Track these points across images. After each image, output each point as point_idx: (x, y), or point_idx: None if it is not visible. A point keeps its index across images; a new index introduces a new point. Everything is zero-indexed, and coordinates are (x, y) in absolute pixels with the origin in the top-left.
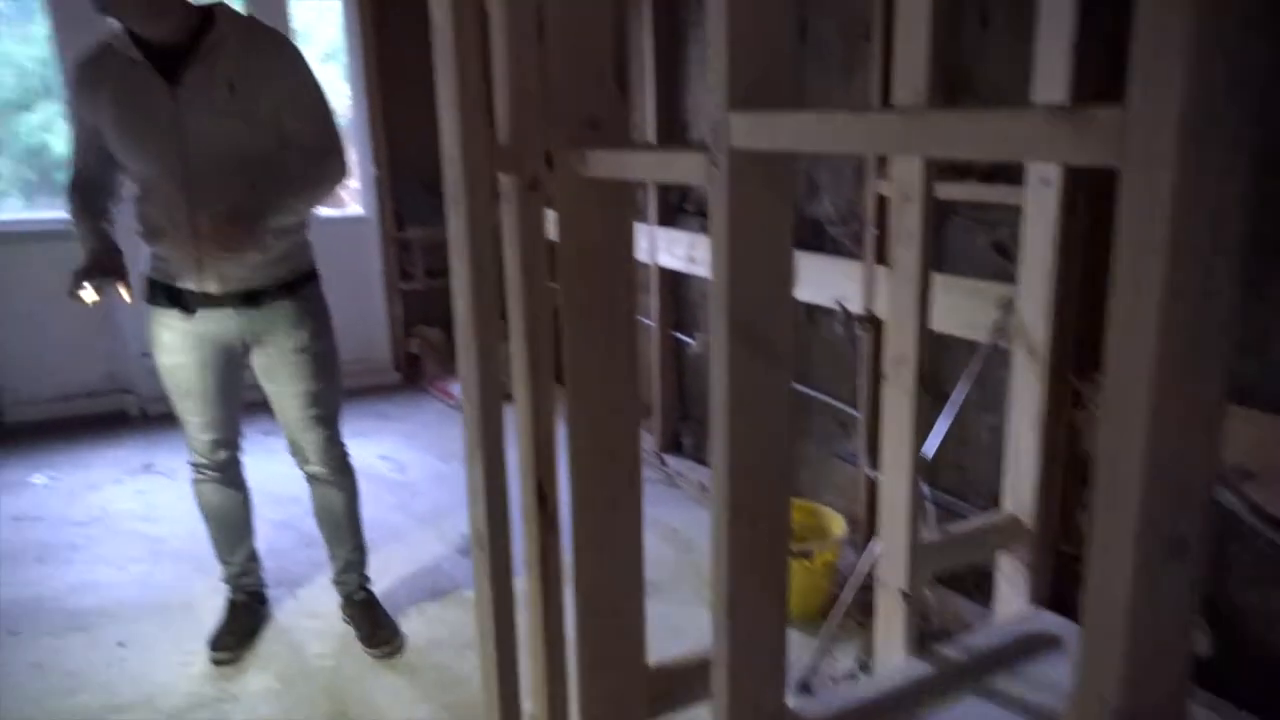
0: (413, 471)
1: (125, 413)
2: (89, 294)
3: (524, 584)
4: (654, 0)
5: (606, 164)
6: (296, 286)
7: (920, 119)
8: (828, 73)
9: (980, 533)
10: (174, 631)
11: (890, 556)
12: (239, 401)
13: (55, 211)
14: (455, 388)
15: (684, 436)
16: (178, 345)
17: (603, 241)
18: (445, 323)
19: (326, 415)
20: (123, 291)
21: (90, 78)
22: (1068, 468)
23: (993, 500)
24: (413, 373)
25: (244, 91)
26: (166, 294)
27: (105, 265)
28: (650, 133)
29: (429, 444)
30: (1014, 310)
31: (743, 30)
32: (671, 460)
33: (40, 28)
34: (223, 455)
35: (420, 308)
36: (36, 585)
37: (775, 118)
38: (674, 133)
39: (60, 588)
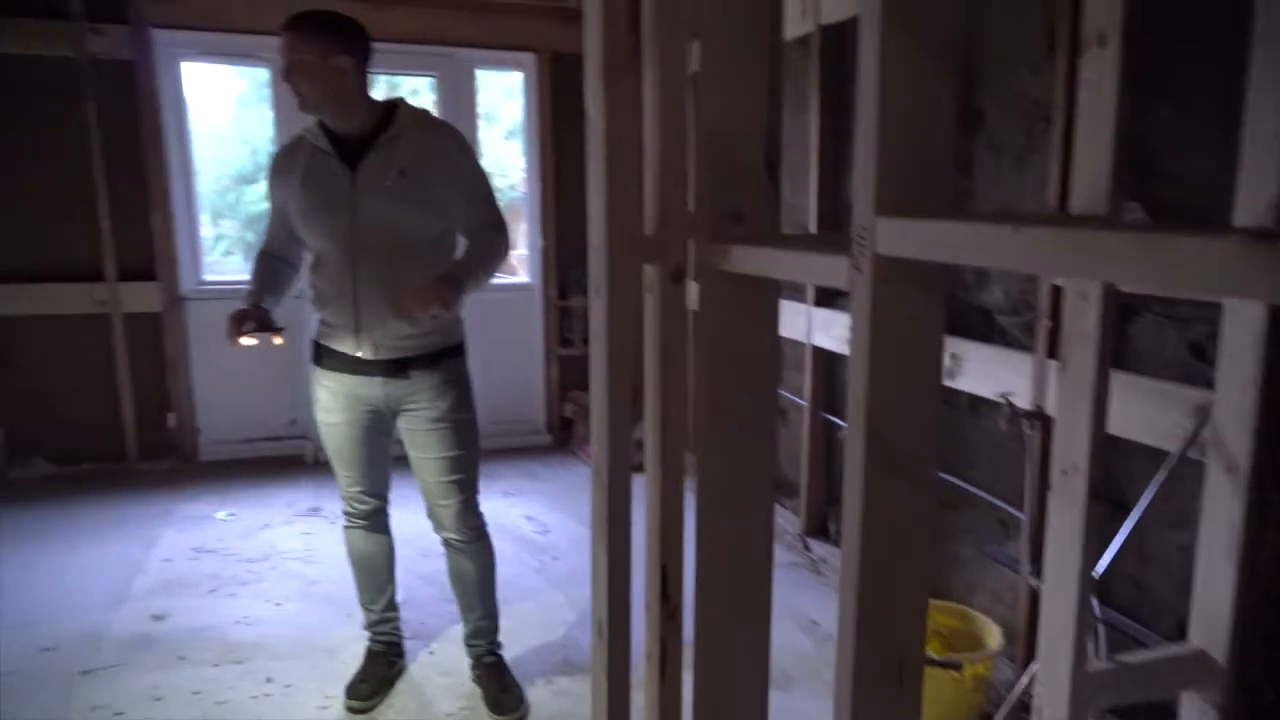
0: (555, 534)
1: (302, 457)
2: (246, 340)
3: (643, 674)
4: (822, 83)
5: (746, 260)
6: (442, 359)
7: (1089, 240)
8: (1001, 160)
9: (1161, 666)
10: (318, 673)
11: (1050, 683)
12: (387, 459)
13: None
14: None
15: (831, 521)
16: (333, 404)
17: (743, 335)
18: None
19: (463, 483)
20: (273, 338)
21: (284, 163)
22: (1271, 600)
23: (1178, 628)
24: (565, 435)
25: (414, 177)
26: (327, 356)
27: (252, 315)
28: (812, 220)
29: (573, 507)
30: (1210, 419)
31: (895, 126)
32: (816, 545)
33: (268, 112)
34: (369, 505)
35: (576, 373)
36: (205, 614)
37: (925, 226)
38: (838, 221)
39: (225, 619)
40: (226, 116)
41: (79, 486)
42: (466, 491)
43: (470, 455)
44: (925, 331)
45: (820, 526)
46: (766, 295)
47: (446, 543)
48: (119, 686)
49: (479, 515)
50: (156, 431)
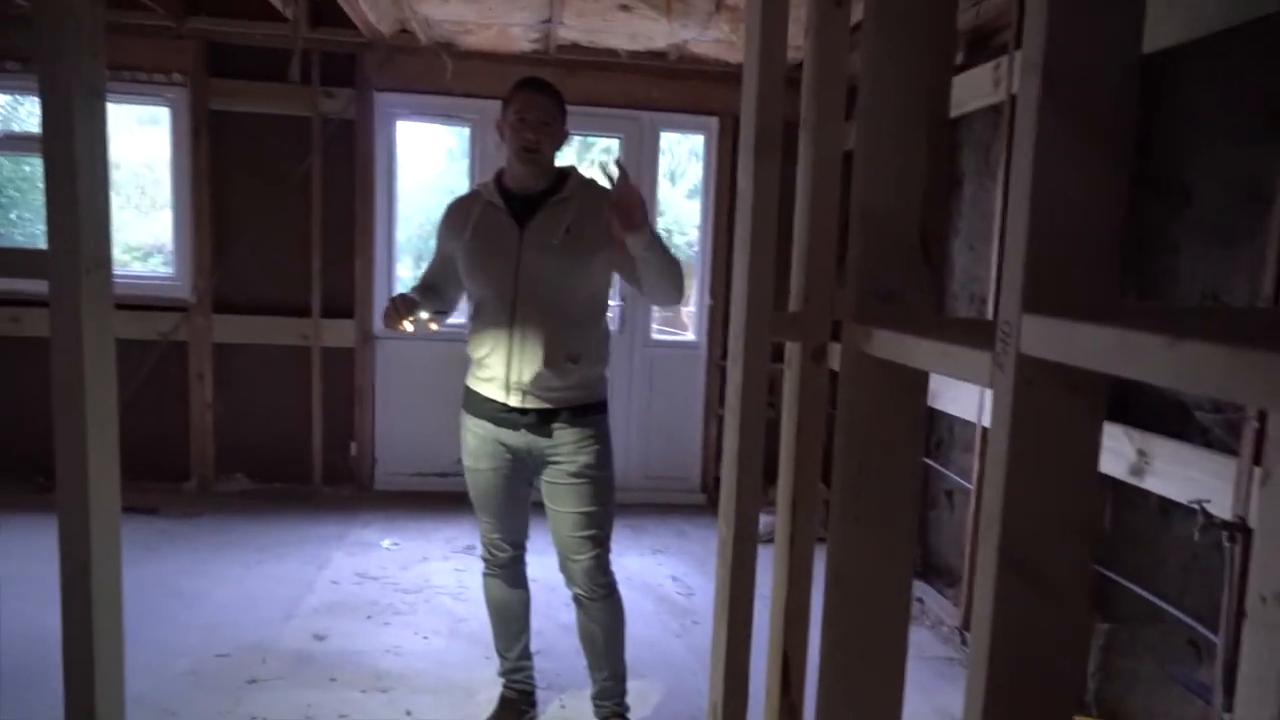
0: (700, 598)
1: (466, 495)
2: (407, 324)
3: None
4: (1010, 151)
5: (887, 345)
6: (587, 414)
7: (1258, 362)
8: (1210, 242)
9: None
10: (454, 712)
11: None
12: (527, 509)
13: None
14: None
15: None
16: (480, 450)
17: (886, 419)
18: None
19: (596, 538)
20: (429, 324)
21: (459, 214)
22: None
23: None
24: (718, 496)
25: (578, 236)
26: (477, 402)
27: (410, 301)
28: (992, 296)
29: None
30: None
31: (1048, 215)
32: None
33: (468, 165)
34: (507, 554)
35: None
36: (360, 639)
37: (1074, 328)
38: None
39: (377, 646)
40: (434, 169)
41: (270, 503)
42: (599, 548)
43: (605, 512)
44: (1077, 439)
45: None
46: (913, 378)
47: (576, 599)
48: (277, 700)
49: (609, 573)
50: (340, 458)
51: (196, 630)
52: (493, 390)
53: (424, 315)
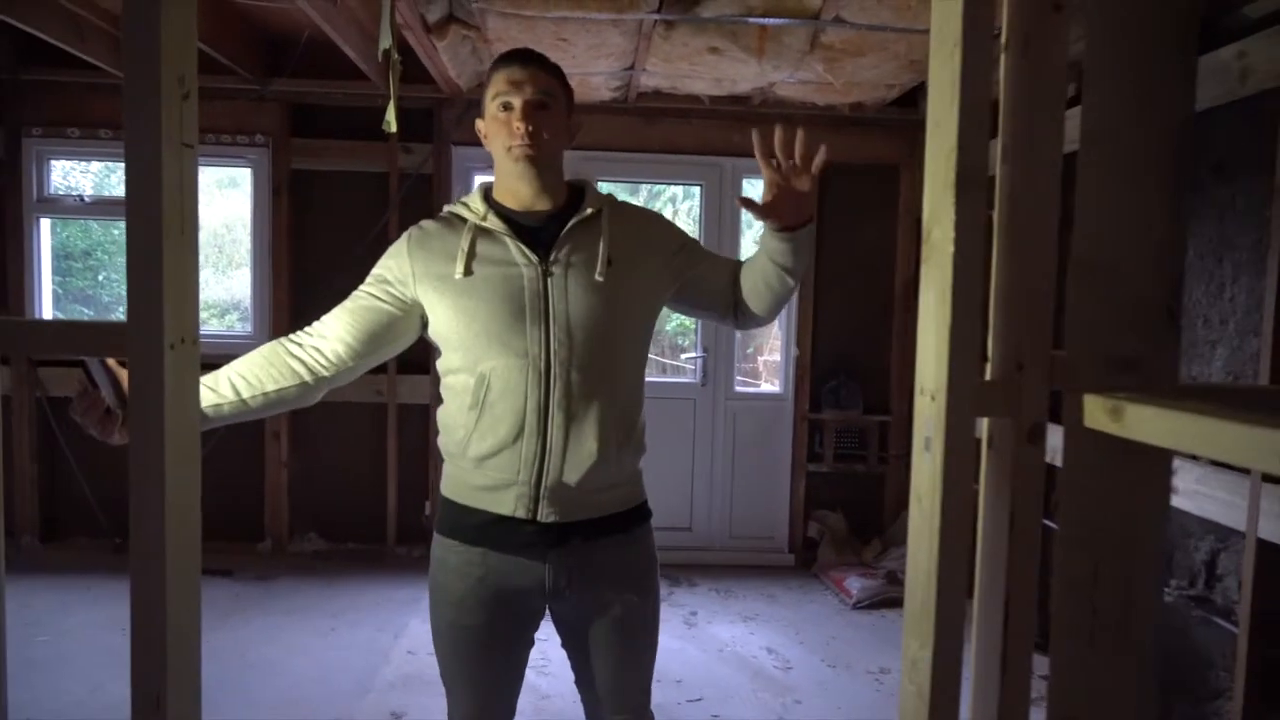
0: (798, 672)
1: None
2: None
3: None
4: None
5: (1146, 423)
6: (638, 522)
7: None
8: None
9: None
10: None
11: None
12: (520, 683)
13: None
14: (850, 581)
15: None
16: (466, 596)
17: (1126, 515)
18: (848, 508)
19: (646, 690)
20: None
21: (431, 247)
22: None
23: None
24: (808, 557)
25: (626, 266)
26: (468, 524)
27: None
28: (1264, 369)
29: (817, 642)
30: None
31: None
32: None
33: None
34: None
35: (824, 490)
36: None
37: None
38: None
39: None
40: None
41: (343, 565)
42: (646, 701)
43: (650, 661)
44: None
45: None
46: (1158, 463)
47: None
48: None
49: None
50: (414, 518)
51: (270, 706)
52: (503, 502)
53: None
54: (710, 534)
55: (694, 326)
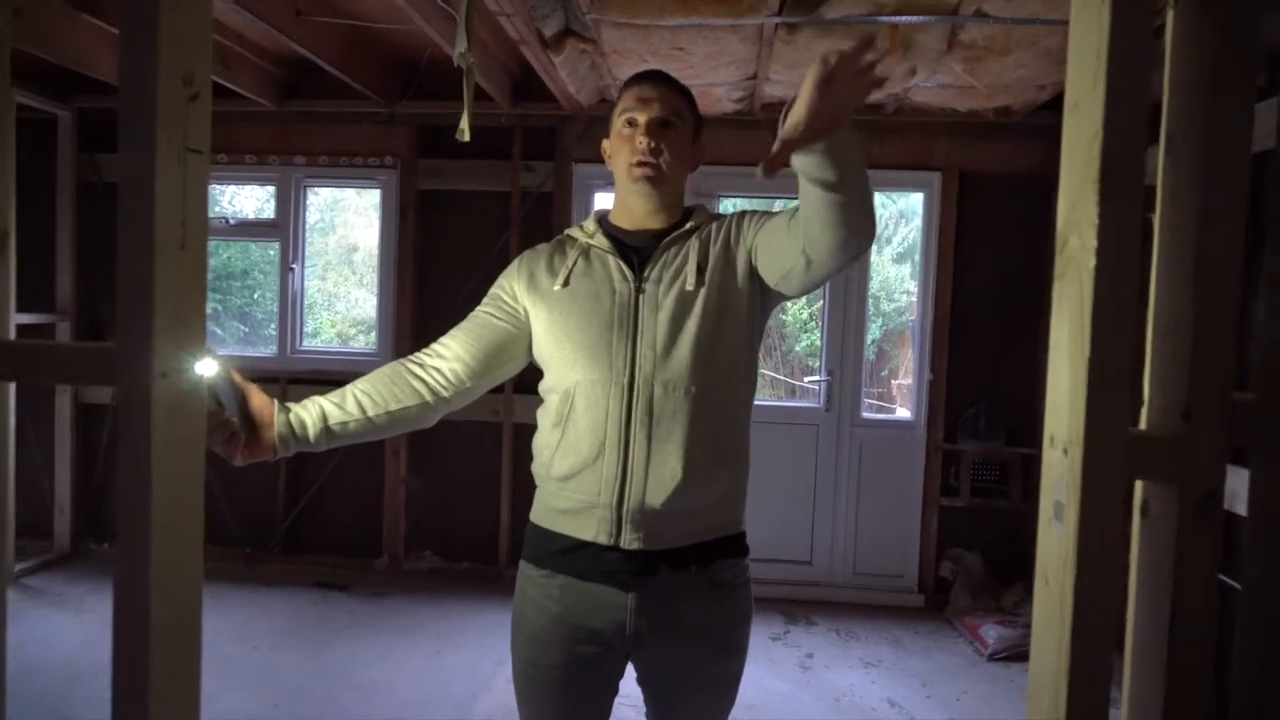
0: None
1: None
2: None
3: None
4: None
5: None
6: (731, 555)
7: None
8: None
9: None
10: None
11: None
12: None
13: None
14: (986, 629)
15: None
16: (547, 633)
17: None
18: (985, 547)
19: None
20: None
21: (541, 260)
22: None
23: None
24: (939, 599)
25: (719, 272)
26: (551, 550)
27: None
28: None
29: (946, 697)
30: None
31: None
32: None
33: None
34: None
35: (959, 527)
36: None
37: None
38: None
39: None
40: None
41: (455, 584)
42: None
43: (730, 707)
44: None
45: None
46: None
47: None
48: None
49: None
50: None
51: None
52: (585, 527)
53: (309, 433)
54: (832, 569)
55: (823, 347)
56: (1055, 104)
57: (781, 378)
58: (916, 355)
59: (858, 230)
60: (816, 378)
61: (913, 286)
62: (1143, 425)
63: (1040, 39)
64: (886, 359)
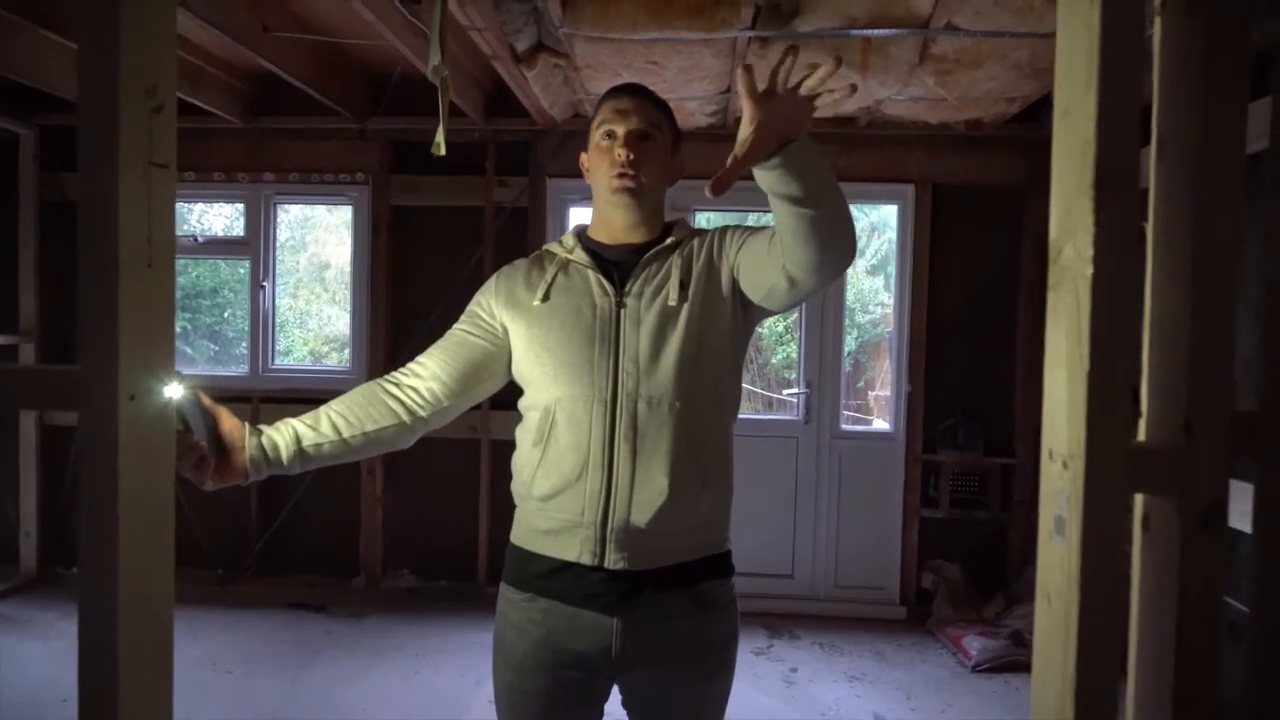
0: None
1: None
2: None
3: None
4: None
5: None
6: (717, 575)
7: None
8: None
9: None
10: None
11: None
12: None
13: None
14: (969, 640)
15: None
16: (528, 658)
17: None
18: (965, 558)
19: None
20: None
21: (519, 279)
22: None
23: None
24: (921, 610)
25: (701, 286)
26: (533, 572)
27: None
28: None
29: (932, 709)
30: None
31: None
32: None
33: None
34: None
35: (940, 538)
36: None
37: None
38: None
39: None
40: None
41: (433, 603)
42: None
43: None
44: None
45: None
46: None
47: None
48: None
49: None
50: (504, 558)
51: None
52: (568, 547)
53: (280, 456)
54: (814, 582)
55: (800, 359)
56: (1024, 116)
57: (759, 390)
58: (895, 367)
59: (833, 245)
60: (794, 390)
61: (887, 298)
62: (1141, 437)
63: (1010, 52)
64: (863, 370)
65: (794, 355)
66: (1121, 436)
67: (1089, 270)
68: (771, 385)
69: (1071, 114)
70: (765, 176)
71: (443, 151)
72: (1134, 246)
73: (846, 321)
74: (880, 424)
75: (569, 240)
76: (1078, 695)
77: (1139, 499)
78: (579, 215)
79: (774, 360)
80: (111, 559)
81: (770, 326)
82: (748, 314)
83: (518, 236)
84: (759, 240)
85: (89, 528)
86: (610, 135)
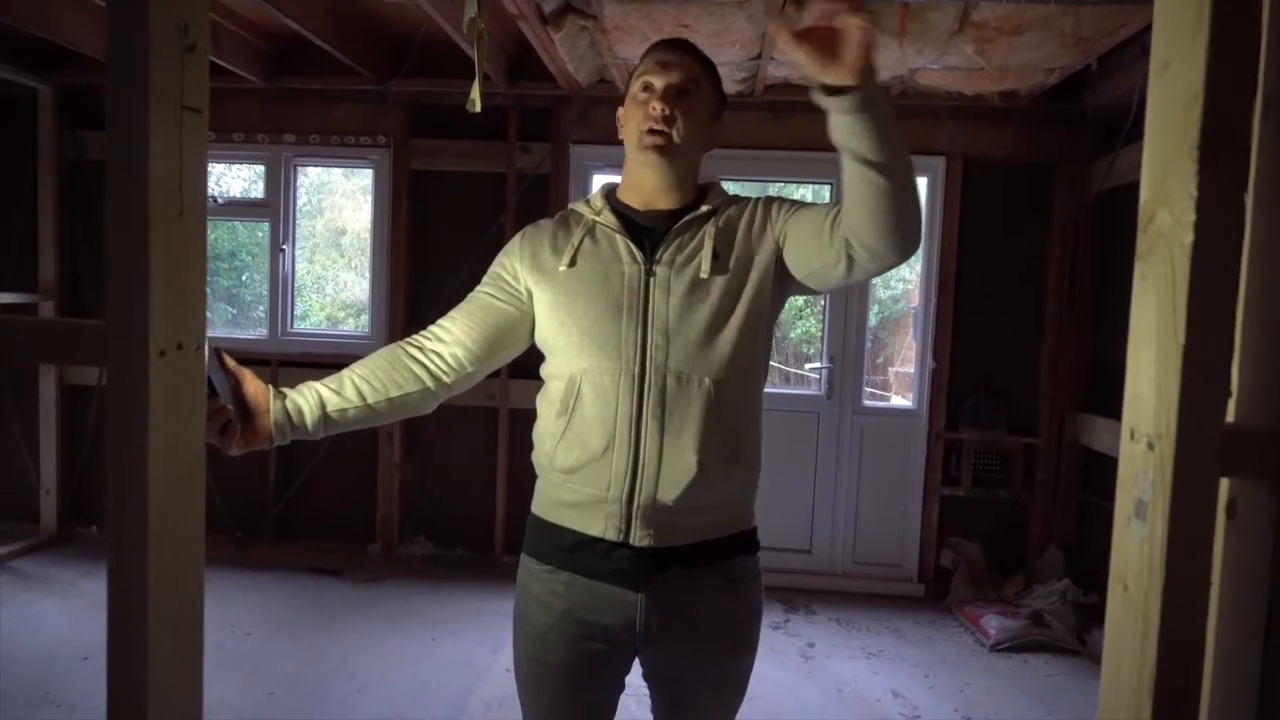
0: None
1: None
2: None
3: None
4: None
5: None
6: (744, 552)
7: None
8: None
9: None
10: None
11: None
12: None
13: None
14: (988, 619)
15: None
16: (551, 630)
17: None
18: (986, 537)
19: None
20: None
21: (544, 238)
22: None
23: None
24: (939, 589)
25: (734, 259)
26: (555, 544)
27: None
28: None
29: (949, 688)
30: None
31: None
32: None
33: None
34: None
35: (960, 516)
36: None
37: None
38: None
39: None
40: None
41: (450, 570)
42: None
43: (739, 705)
44: None
45: None
46: None
47: None
48: None
49: None
50: (522, 526)
51: None
52: (592, 522)
53: (305, 422)
54: (831, 558)
55: (821, 334)
56: (1059, 90)
57: (776, 365)
58: (919, 343)
59: (906, 226)
60: (815, 365)
61: (909, 274)
62: (1230, 417)
63: (1054, 19)
64: (883, 346)
65: (812, 330)
66: (1218, 416)
67: (1189, 237)
68: (789, 360)
69: (1172, 67)
70: (836, 123)
71: (478, 108)
72: (1242, 212)
73: (868, 297)
74: (901, 400)
75: (597, 201)
76: (1156, 693)
77: (1223, 484)
78: (602, 183)
79: (791, 335)
80: (141, 527)
81: (789, 301)
82: (784, 290)
83: (539, 204)
84: (812, 215)
85: (118, 493)
86: (648, 88)
